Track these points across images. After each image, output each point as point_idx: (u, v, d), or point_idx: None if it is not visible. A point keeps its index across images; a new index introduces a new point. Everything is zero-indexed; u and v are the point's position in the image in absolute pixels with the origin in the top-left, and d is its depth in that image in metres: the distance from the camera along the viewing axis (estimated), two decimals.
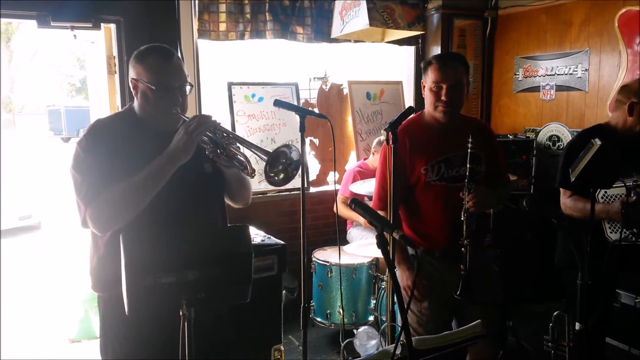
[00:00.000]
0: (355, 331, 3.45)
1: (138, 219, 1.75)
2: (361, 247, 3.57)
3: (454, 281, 2.14)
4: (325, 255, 3.80)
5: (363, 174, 4.13)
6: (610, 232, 2.50)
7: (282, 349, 3.22)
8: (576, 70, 4.33)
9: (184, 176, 1.81)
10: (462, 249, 2.11)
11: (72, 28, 3.08)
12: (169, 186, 1.77)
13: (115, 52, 3.31)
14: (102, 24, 3.22)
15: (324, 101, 4.69)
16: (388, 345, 2.07)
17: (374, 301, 3.71)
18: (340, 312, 3.64)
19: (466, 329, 1.60)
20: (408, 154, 2.28)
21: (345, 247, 3.59)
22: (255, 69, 4.77)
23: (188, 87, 1.90)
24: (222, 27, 4.00)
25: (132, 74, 1.86)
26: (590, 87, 4.22)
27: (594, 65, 4.18)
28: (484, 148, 2.29)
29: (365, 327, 1.45)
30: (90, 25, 3.09)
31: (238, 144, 1.81)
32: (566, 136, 4.39)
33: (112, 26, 3.26)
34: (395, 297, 2.12)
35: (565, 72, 4.41)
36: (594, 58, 4.18)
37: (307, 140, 4.59)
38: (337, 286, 3.62)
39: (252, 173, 1.77)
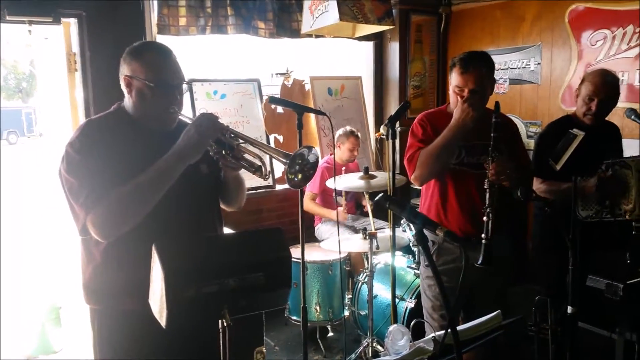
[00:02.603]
0: (328, 326, 3.43)
1: (139, 223, 1.65)
2: (336, 243, 3.55)
3: (467, 274, 2.18)
4: (298, 252, 3.75)
5: (331, 170, 4.12)
6: (582, 210, 2.63)
7: (264, 350, 3.16)
8: (529, 64, 4.52)
9: (183, 178, 1.72)
10: (484, 217, 2.17)
11: (30, 22, 2.86)
12: (169, 188, 1.68)
13: (76, 49, 3.10)
14: (61, 19, 3.00)
15: (287, 97, 4.64)
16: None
17: (349, 296, 3.73)
18: (317, 310, 3.63)
19: (488, 320, 1.63)
20: (430, 138, 2.33)
21: (321, 244, 3.58)
22: (217, 66, 4.63)
23: (185, 86, 1.82)
24: (182, 21, 3.85)
25: (125, 71, 1.75)
26: (543, 80, 4.42)
27: (546, 59, 4.38)
28: (505, 141, 2.35)
29: (397, 325, 1.44)
30: (51, 20, 2.88)
31: (249, 146, 1.74)
32: (520, 128, 4.57)
33: (73, 21, 3.05)
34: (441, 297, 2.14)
35: (519, 66, 4.60)
36: (546, 52, 4.37)
37: (272, 137, 4.53)
38: (313, 283, 3.61)
39: (267, 174, 1.72)
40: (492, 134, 2.16)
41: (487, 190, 2.17)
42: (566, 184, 2.40)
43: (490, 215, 2.15)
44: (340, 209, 3.98)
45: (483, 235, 2.17)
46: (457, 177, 2.32)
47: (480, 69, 2.25)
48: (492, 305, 2.20)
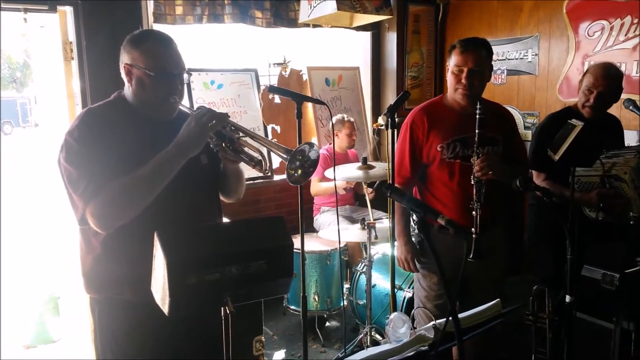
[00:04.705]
0: (326, 316, 3.43)
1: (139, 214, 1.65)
2: (334, 232, 3.56)
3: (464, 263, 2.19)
4: (297, 242, 3.76)
5: (328, 157, 4.10)
6: (590, 211, 2.63)
7: (263, 339, 3.17)
8: (526, 55, 4.51)
9: (183, 168, 1.72)
10: (473, 212, 2.18)
11: (26, 10, 2.83)
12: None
13: (72, 37, 3.08)
14: (57, 7, 2.97)
15: (284, 87, 4.62)
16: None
17: (347, 285, 3.75)
18: (316, 299, 3.65)
19: (488, 308, 1.64)
20: (426, 133, 2.33)
21: (319, 234, 3.60)
22: (214, 55, 4.61)
23: (186, 75, 1.80)
24: (179, 10, 3.82)
25: (125, 59, 1.73)
26: (540, 71, 4.42)
27: (544, 49, 4.38)
28: (502, 132, 2.36)
29: (397, 312, 1.45)
30: (47, 8, 2.85)
31: (249, 139, 1.73)
32: (518, 119, 4.57)
33: (69, 9, 3.02)
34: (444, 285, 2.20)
35: (516, 57, 4.59)
36: (544, 43, 4.37)
37: (269, 127, 4.52)
38: (311, 273, 3.62)
39: (267, 169, 1.71)
40: (476, 131, 2.17)
41: (474, 185, 2.19)
42: (568, 190, 2.39)
43: (479, 210, 2.17)
44: (339, 183, 3.96)
45: (472, 230, 2.18)
46: (452, 169, 2.32)
47: (480, 50, 2.26)
48: (489, 295, 2.22)
